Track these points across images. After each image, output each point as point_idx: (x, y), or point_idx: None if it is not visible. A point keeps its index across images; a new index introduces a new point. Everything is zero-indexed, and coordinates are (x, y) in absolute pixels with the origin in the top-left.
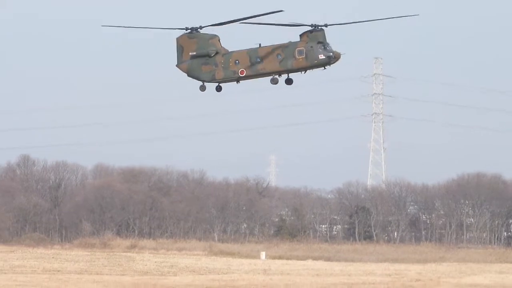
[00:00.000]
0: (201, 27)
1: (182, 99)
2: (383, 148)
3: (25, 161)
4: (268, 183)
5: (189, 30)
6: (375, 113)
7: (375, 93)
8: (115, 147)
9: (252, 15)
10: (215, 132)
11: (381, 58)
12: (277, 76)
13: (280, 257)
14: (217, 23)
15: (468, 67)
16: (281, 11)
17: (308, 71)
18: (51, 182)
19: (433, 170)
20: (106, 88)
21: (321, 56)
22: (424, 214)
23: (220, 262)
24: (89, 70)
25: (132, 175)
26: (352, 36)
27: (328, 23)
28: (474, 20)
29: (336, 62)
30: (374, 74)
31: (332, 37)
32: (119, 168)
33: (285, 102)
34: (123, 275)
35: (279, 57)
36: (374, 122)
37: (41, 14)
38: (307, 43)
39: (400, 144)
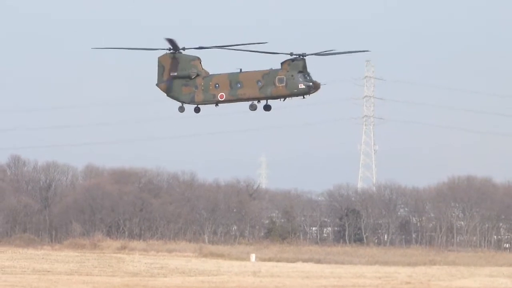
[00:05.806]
0: (184, 49)
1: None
2: (374, 150)
3: (16, 161)
4: (259, 185)
5: (171, 50)
6: (366, 115)
7: (366, 96)
8: (106, 148)
9: (237, 43)
10: (205, 133)
11: (373, 61)
12: (256, 102)
13: (270, 259)
14: (199, 46)
15: (459, 69)
16: (265, 42)
17: (287, 99)
18: (41, 183)
19: (424, 173)
20: (96, 89)
21: (301, 86)
22: (414, 217)
23: (210, 263)
24: (80, 70)
25: (122, 176)
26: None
27: (307, 53)
28: (463, 23)
29: (315, 92)
30: (366, 76)
31: (327, 43)
32: (109, 169)
33: (275, 104)
34: (113, 276)
35: (259, 83)
36: (365, 124)
37: (47, 15)
38: (288, 71)
39: (391, 146)
